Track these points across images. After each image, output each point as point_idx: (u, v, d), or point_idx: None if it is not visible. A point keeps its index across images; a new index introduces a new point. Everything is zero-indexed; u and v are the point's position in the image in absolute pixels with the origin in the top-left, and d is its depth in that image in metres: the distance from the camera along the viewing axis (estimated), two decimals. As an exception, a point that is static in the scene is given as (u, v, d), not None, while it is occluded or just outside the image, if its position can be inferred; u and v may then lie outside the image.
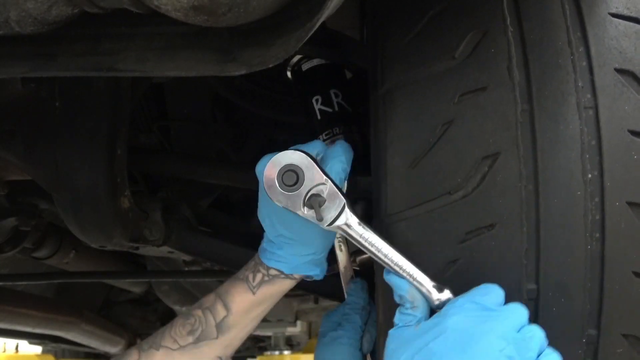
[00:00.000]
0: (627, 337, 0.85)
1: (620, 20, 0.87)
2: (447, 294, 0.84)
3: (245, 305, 1.03)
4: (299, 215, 0.89)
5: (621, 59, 0.86)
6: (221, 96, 1.74)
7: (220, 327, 1.02)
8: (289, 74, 1.30)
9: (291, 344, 4.27)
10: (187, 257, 2.07)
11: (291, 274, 1.02)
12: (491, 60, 0.87)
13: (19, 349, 4.74)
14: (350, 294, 1.14)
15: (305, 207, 0.89)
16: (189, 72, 0.81)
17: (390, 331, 0.85)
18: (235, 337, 1.04)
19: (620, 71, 0.85)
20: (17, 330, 2.46)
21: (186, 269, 2.28)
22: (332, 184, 0.89)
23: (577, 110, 0.84)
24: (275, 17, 0.77)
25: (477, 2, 0.89)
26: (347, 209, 0.89)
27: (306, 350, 4.05)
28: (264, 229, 1.02)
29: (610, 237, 0.83)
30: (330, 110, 1.22)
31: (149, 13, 0.73)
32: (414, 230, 0.90)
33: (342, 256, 1.15)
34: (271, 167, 0.89)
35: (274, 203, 0.91)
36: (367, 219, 1.13)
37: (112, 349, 3.05)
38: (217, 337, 1.02)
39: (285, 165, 0.89)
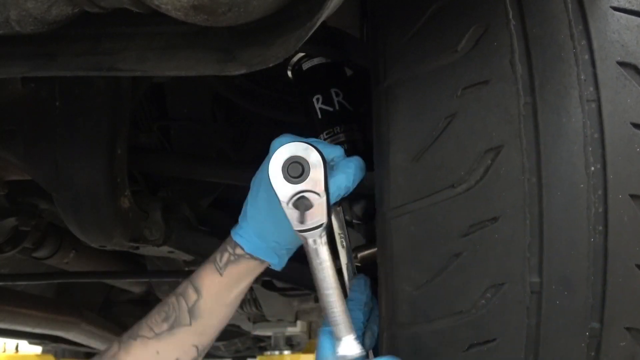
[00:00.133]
0: (630, 330, 0.85)
1: (622, 14, 0.87)
2: (357, 351, 0.89)
3: (214, 287, 1.02)
4: (281, 205, 0.89)
5: (623, 52, 0.86)
6: (221, 96, 1.74)
7: (192, 312, 1.02)
8: (289, 73, 1.30)
9: (291, 344, 4.27)
10: (187, 257, 2.07)
11: (252, 255, 1.01)
12: (493, 53, 0.87)
13: (19, 349, 4.73)
14: (353, 290, 1.14)
15: (291, 204, 0.88)
16: (189, 71, 0.81)
17: None
18: (207, 323, 1.03)
19: (622, 64, 0.85)
20: (17, 330, 2.46)
21: (186, 269, 2.28)
22: (326, 201, 0.89)
23: (580, 103, 0.85)
24: (275, 17, 0.77)
25: (479, -4, 0.90)
26: (322, 230, 0.89)
27: (306, 350, 4.05)
28: (249, 194, 1.02)
29: (613, 230, 0.83)
30: (331, 109, 1.22)
31: (149, 13, 0.73)
32: (417, 224, 0.90)
33: (343, 252, 1.15)
34: (287, 149, 0.88)
35: (265, 190, 0.91)
36: (368, 215, 1.13)
37: (112, 350, 3.04)
38: (190, 324, 1.02)
39: (299, 157, 0.88)
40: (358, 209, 1.21)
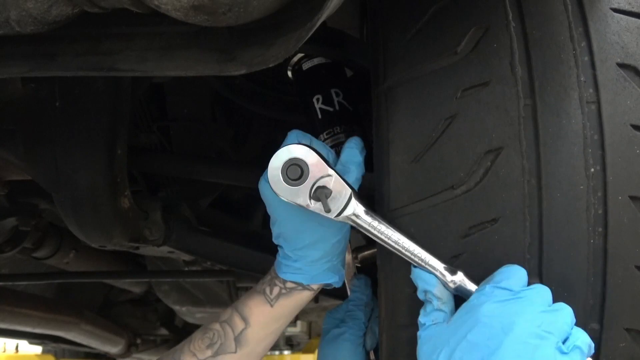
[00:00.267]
0: (630, 331, 0.85)
1: (622, 15, 0.87)
2: (460, 276, 0.85)
3: (263, 317, 1.02)
4: (305, 214, 0.89)
5: (623, 53, 0.86)
6: (221, 96, 1.74)
7: (238, 341, 1.02)
8: (289, 73, 1.30)
9: (291, 344, 4.27)
10: (187, 257, 2.07)
11: (309, 285, 1.01)
12: (493, 55, 0.87)
13: (19, 349, 4.74)
14: (354, 290, 1.14)
15: (312, 200, 0.88)
16: (189, 72, 0.81)
17: (421, 333, 0.84)
18: (253, 351, 1.03)
19: (622, 66, 0.85)
20: (17, 330, 2.46)
21: (186, 269, 2.28)
22: (337, 175, 0.89)
23: (580, 104, 0.85)
24: (275, 17, 0.77)
25: (479, -2, 0.90)
26: (353, 199, 0.89)
27: (306, 350, 4.04)
28: (280, 244, 1.01)
29: (613, 232, 0.83)
30: (331, 109, 1.22)
31: (149, 13, 0.73)
32: (417, 225, 0.90)
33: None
34: (275, 162, 0.89)
35: (284, 214, 0.91)
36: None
37: (112, 349, 3.05)
38: (235, 351, 1.02)
39: (289, 160, 0.88)
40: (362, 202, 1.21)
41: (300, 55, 1.26)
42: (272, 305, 1.02)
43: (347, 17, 1.43)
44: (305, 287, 1.01)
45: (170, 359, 1.03)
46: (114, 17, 0.79)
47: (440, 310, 0.85)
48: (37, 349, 4.04)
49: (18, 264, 2.21)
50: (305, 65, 1.26)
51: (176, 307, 2.85)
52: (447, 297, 0.86)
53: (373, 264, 1.03)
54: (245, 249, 1.69)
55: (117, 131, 1.33)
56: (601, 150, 0.84)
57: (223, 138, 1.86)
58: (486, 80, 0.87)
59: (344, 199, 0.89)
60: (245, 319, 1.02)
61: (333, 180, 0.89)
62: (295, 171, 0.88)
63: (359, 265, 1.17)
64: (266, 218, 1.90)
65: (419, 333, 0.85)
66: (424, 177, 0.90)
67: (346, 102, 1.23)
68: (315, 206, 0.89)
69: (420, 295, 0.87)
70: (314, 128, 1.24)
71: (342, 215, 0.89)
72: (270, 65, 0.76)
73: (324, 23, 0.76)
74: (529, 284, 0.83)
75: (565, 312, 0.77)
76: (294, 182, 0.88)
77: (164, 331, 3.33)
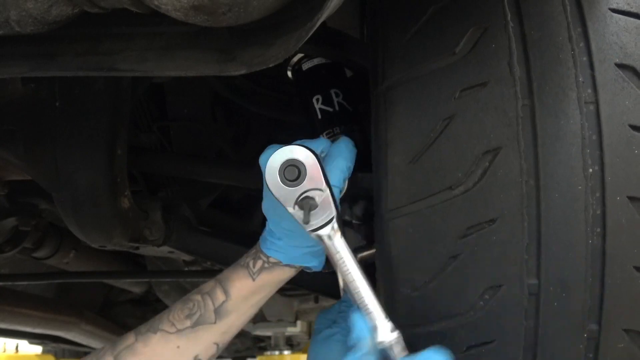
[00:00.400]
0: (628, 332, 0.85)
1: (620, 16, 0.87)
2: (394, 336, 0.87)
3: (244, 291, 1.03)
4: (287, 210, 0.89)
5: (622, 54, 0.86)
6: (221, 96, 1.74)
7: (218, 312, 1.02)
8: (289, 73, 1.30)
9: (291, 344, 4.27)
10: (187, 257, 2.07)
11: (290, 264, 1.02)
12: (492, 56, 0.87)
13: (19, 349, 4.74)
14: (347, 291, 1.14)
15: (296, 206, 0.89)
16: (189, 72, 0.81)
17: None
18: (233, 323, 1.04)
19: (620, 66, 0.85)
20: (17, 330, 2.46)
21: (186, 269, 2.28)
22: (329, 194, 0.89)
23: (578, 105, 0.85)
24: (275, 17, 0.77)
25: (478, -1, 0.90)
26: (334, 223, 0.89)
27: (306, 350, 4.05)
28: (267, 218, 1.02)
29: (611, 232, 0.83)
30: (330, 109, 1.22)
31: (149, 13, 0.73)
32: (414, 226, 0.90)
33: None
34: (277, 156, 0.89)
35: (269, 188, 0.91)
36: (367, 216, 1.13)
37: (112, 349, 3.04)
38: (215, 322, 1.02)
39: (291, 160, 0.88)
40: (357, 209, 1.21)
41: (300, 55, 1.26)
42: (253, 279, 1.02)
43: (347, 17, 1.43)
44: (286, 265, 1.02)
45: (148, 327, 1.04)
46: (114, 17, 0.79)
47: (369, 355, 0.86)
48: (37, 349, 4.04)
49: (18, 264, 2.21)
50: (305, 66, 1.26)
51: (176, 307, 2.84)
52: (375, 348, 0.87)
53: (372, 265, 1.04)
54: (245, 249, 1.68)
55: (117, 131, 1.33)
56: (599, 150, 0.84)
57: (223, 138, 1.86)
58: (484, 80, 0.87)
59: (325, 219, 0.89)
60: (226, 292, 1.03)
61: (323, 197, 0.88)
62: (292, 173, 0.88)
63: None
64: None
65: None
66: (422, 177, 0.90)
67: (346, 102, 1.24)
68: (296, 213, 0.89)
69: (351, 341, 0.88)
70: (314, 128, 1.24)
71: (316, 232, 0.89)
72: (270, 65, 0.76)
73: (324, 23, 0.76)
74: (528, 285, 0.83)
75: None
76: (287, 181, 0.88)
77: (163, 331, 3.32)
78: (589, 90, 0.85)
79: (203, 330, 1.02)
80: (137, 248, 1.63)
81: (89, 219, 1.39)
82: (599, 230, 0.83)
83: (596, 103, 0.84)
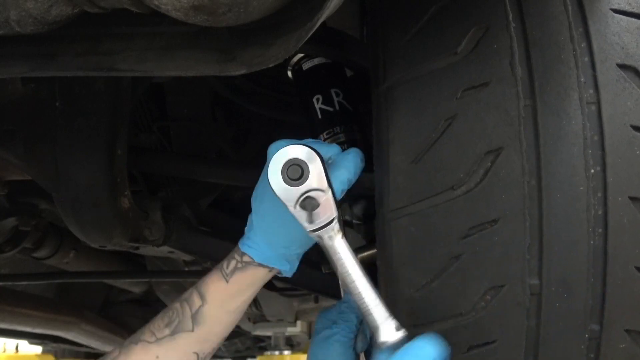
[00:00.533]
0: (630, 332, 0.85)
1: (622, 16, 0.87)
2: (400, 334, 0.86)
3: (219, 294, 1.01)
4: (288, 209, 0.89)
5: (623, 54, 0.86)
6: (221, 96, 1.74)
7: (195, 318, 1.01)
8: (289, 73, 1.30)
9: (291, 344, 4.28)
10: (187, 257, 2.07)
11: (261, 263, 1.00)
12: (493, 55, 0.87)
13: (19, 349, 4.74)
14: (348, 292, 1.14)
15: (298, 206, 0.88)
16: (189, 72, 0.81)
17: None
18: (211, 331, 1.02)
19: (622, 67, 0.85)
20: (17, 330, 2.47)
21: (186, 269, 2.28)
22: (331, 195, 0.89)
23: (580, 105, 0.85)
24: (275, 17, 0.77)
25: (479, -2, 0.90)
26: (335, 224, 0.89)
27: (306, 350, 4.05)
28: (252, 206, 1.01)
29: (613, 232, 0.83)
30: (331, 109, 1.22)
31: (149, 13, 0.73)
32: (416, 226, 0.90)
33: None
34: (283, 153, 0.88)
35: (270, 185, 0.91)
36: (368, 216, 1.13)
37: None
38: (192, 330, 1.00)
39: (296, 159, 0.88)
40: (358, 209, 1.21)
41: (300, 55, 1.26)
42: (227, 281, 1.01)
43: (347, 17, 1.43)
44: (260, 265, 1.00)
45: (131, 339, 1.03)
46: (114, 17, 0.79)
47: None
48: (37, 349, 4.05)
49: (18, 264, 2.21)
50: (305, 65, 1.26)
51: (176, 307, 2.85)
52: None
53: (373, 265, 1.03)
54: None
55: (117, 131, 1.33)
56: (601, 151, 0.84)
57: (223, 138, 1.86)
58: (486, 80, 0.87)
59: (327, 219, 0.89)
60: (202, 296, 1.01)
61: (325, 197, 0.88)
62: (295, 173, 0.88)
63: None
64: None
65: None
66: (424, 177, 0.89)
67: (346, 102, 1.23)
68: (299, 213, 0.89)
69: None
70: (314, 128, 1.24)
71: (317, 232, 0.89)
72: (270, 65, 0.76)
73: (323, 23, 0.76)
74: (529, 285, 0.83)
75: None
76: (289, 180, 0.88)
77: (163, 331, 3.32)
78: (591, 91, 0.85)
79: (181, 339, 1.00)
80: (137, 248, 1.63)
81: (89, 219, 1.39)
82: (600, 230, 0.83)
83: (598, 103, 0.84)
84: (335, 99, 1.23)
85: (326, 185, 0.88)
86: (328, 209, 0.88)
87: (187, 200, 1.75)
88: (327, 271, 1.12)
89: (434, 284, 0.89)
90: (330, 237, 0.89)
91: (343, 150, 1.03)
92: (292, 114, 1.63)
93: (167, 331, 1.01)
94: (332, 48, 1.24)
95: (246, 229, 1.02)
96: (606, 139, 0.83)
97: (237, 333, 3.55)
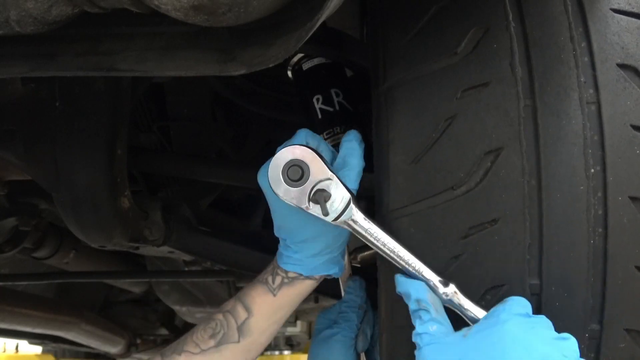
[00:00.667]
0: (630, 332, 0.85)
1: (622, 16, 0.87)
2: (452, 288, 0.85)
3: (266, 307, 1.02)
4: (304, 210, 0.89)
5: (623, 54, 0.86)
6: (221, 96, 1.74)
7: (241, 330, 1.01)
8: (289, 73, 1.30)
9: (291, 344, 4.28)
10: (187, 257, 2.07)
11: (310, 275, 1.01)
12: (493, 56, 0.87)
13: (19, 349, 4.74)
14: (349, 292, 1.14)
15: (311, 202, 0.89)
16: (189, 72, 0.81)
17: (423, 344, 0.83)
18: (256, 341, 1.03)
19: (622, 66, 0.85)
20: (17, 330, 2.47)
21: (186, 269, 2.28)
22: (337, 179, 0.89)
23: (580, 105, 0.85)
24: (275, 17, 0.77)
25: (479, -1, 0.90)
26: (352, 205, 0.89)
27: (306, 350, 4.05)
28: (281, 238, 1.01)
29: (613, 232, 0.83)
30: (331, 109, 1.22)
31: (149, 13, 0.73)
32: (416, 226, 0.90)
33: None
34: (276, 161, 0.89)
35: (285, 210, 0.91)
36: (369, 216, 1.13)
37: (112, 349, 3.05)
38: (238, 341, 1.01)
39: (291, 160, 0.88)
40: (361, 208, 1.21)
41: (300, 55, 1.26)
42: (274, 295, 1.01)
43: (347, 17, 1.43)
44: (307, 277, 1.01)
45: (173, 349, 1.03)
46: (114, 17, 0.79)
47: (437, 320, 0.84)
48: (37, 349, 4.05)
49: (18, 264, 2.21)
50: (305, 65, 1.26)
51: (176, 307, 2.86)
52: (440, 307, 0.86)
53: (373, 265, 1.03)
54: (245, 249, 1.69)
55: (117, 131, 1.33)
56: (601, 150, 0.84)
57: (223, 138, 1.86)
58: (486, 80, 0.87)
59: (343, 204, 0.89)
60: (248, 309, 1.01)
61: (333, 184, 0.89)
62: (296, 172, 0.88)
63: (359, 265, 1.17)
64: (266, 218, 1.90)
65: (419, 342, 0.84)
66: (424, 177, 0.89)
67: (346, 102, 1.23)
68: (314, 209, 0.89)
69: (413, 305, 0.86)
70: (314, 128, 1.24)
71: (339, 219, 0.89)
72: (270, 65, 0.76)
73: (323, 23, 0.76)
74: (530, 285, 0.83)
75: (574, 340, 0.78)
76: (294, 183, 0.88)
77: (164, 331, 3.33)
78: (591, 91, 0.85)
79: (227, 350, 1.01)
80: (137, 248, 1.63)
81: (89, 219, 1.39)
82: (600, 230, 0.83)
83: (598, 103, 0.84)
84: (335, 99, 1.22)
85: (329, 172, 0.88)
86: (341, 194, 0.89)
87: (187, 200, 1.75)
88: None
89: (434, 284, 0.89)
90: (354, 221, 0.89)
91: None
92: (292, 114, 1.63)
93: (212, 342, 1.01)
94: (332, 48, 1.24)
95: (280, 248, 1.02)
96: (606, 139, 0.84)
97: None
